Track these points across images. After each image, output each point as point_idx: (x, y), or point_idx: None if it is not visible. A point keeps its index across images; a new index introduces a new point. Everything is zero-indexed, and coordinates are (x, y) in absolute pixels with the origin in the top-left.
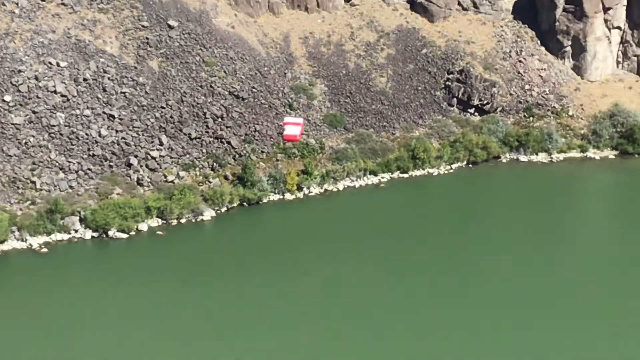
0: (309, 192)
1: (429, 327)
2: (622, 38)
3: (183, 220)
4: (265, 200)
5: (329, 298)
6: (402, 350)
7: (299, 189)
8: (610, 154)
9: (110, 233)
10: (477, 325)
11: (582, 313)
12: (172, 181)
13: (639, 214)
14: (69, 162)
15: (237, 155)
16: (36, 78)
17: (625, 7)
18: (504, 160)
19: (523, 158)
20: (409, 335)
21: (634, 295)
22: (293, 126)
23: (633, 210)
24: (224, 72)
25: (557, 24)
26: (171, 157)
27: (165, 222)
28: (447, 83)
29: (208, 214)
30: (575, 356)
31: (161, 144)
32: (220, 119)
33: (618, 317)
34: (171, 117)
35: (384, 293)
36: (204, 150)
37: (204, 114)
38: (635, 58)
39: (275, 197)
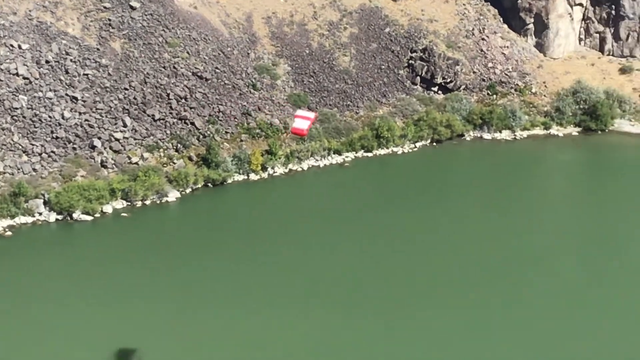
0: (274, 172)
1: (396, 303)
2: (584, 15)
3: (148, 202)
4: (229, 181)
5: (294, 276)
6: (369, 325)
7: (264, 169)
8: (573, 130)
9: (75, 215)
10: (441, 300)
11: (543, 288)
12: (136, 163)
13: (601, 189)
14: (32, 144)
15: (201, 136)
16: None
17: None
18: (468, 139)
19: (487, 136)
20: (373, 310)
21: (594, 271)
22: (303, 120)
23: (596, 186)
24: (187, 53)
25: (519, 1)
26: (135, 139)
27: (129, 203)
28: (410, 62)
29: (173, 195)
30: (530, 331)
31: (125, 125)
32: (183, 100)
33: (577, 293)
34: (134, 98)
35: (349, 270)
36: (168, 132)
37: (168, 95)
38: (598, 35)
39: (240, 177)
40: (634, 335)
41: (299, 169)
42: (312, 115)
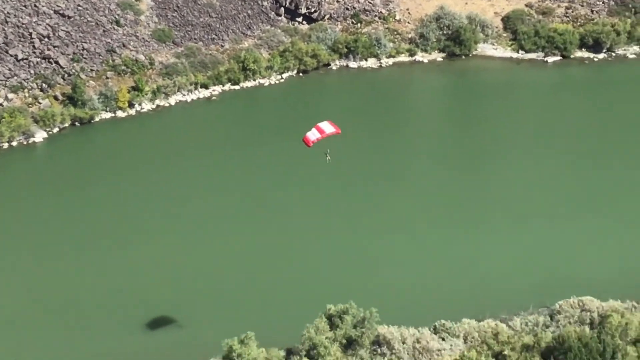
0: (141, 109)
1: (261, 228)
2: None
3: (14, 143)
4: (97, 119)
5: (166, 211)
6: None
7: (131, 105)
8: (438, 56)
9: None
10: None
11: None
12: (0, 104)
13: (468, 111)
14: None
15: (66, 75)
16: None
17: None
18: (334, 68)
19: (353, 65)
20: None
21: (459, 187)
22: (316, 132)
23: (463, 108)
24: None
25: None
26: None
27: None
28: None
29: (40, 135)
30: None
31: None
32: (47, 39)
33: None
34: None
35: (219, 205)
36: (32, 71)
37: (30, 34)
38: None
39: (107, 115)
40: None
41: (167, 105)
42: (332, 130)
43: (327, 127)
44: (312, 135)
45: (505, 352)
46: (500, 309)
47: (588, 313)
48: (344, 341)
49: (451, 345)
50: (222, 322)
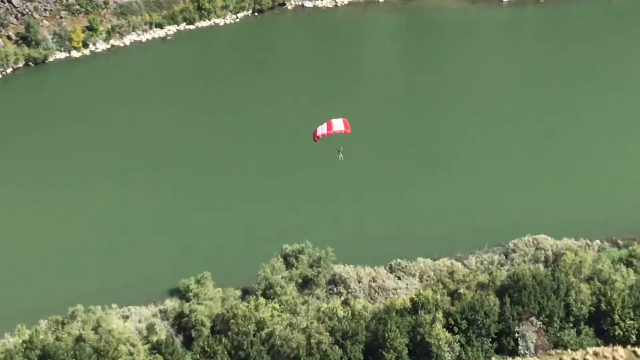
0: (96, 49)
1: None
2: None
3: None
4: (51, 59)
5: (122, 154)
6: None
7: (85, 45)
8: None
9: None
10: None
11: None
12: None
13: (423, 52)
14: None
15: (19, 15)
16: None
17: None
18: (290, 7)
19: (308, 4)
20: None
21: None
22: (323, 127)
23: (418, 49)
24: None
25: None
26: None
27: None
28: None
29: None
30: None
31: None
32: None
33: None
34: None
35: (174, 147)
36: None
37: None
38: None
39: (62, 55)
40: None
41: (121, 45)
42: (341, 128)
43: (338, 125)
44: (320, 130)
45: (461, 290)
46: (456, 248)
47: (542, 251)
48: (300, 280)
49: (407, 284)
50: (179, 263)
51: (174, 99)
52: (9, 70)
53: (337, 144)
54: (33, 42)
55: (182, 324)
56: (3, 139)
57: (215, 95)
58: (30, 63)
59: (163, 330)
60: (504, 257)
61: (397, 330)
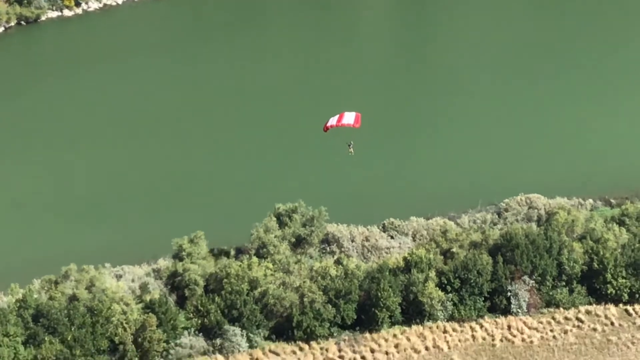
0: (88, 8)
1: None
2: None
3: None
4: (43, 18)
5: (115, 113)
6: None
7: (77, 4)
8: None
9: None
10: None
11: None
12: None
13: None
14: None
15: None
16: None
17: None
18: None
19: None
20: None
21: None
22: (334, 119)
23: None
24: None
25: None
26: None
27: None
28: None
29: None
30: None
31: None
32: None
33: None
34: None
35: (168, 106)
36: None
37: None
38: None
39: (54, 14)
40: None
41: (114, 4)
42: (350, 122)
43: (348, 118)
44: (330, 121)
45: (454, 249)
46: (449, 207)
47: (535, 210)
48: (293, 239)
49: (400, 243)
50: (172, 222)
51: (167, 57)
52: (1, 30)
53: (347, 137)
54: (25, 1)
55: (176, 283)
56: None
57: (208, 55)
58: (23, 22)
59: (156, 290)
60: (497, 216)
61: (390, 289)
